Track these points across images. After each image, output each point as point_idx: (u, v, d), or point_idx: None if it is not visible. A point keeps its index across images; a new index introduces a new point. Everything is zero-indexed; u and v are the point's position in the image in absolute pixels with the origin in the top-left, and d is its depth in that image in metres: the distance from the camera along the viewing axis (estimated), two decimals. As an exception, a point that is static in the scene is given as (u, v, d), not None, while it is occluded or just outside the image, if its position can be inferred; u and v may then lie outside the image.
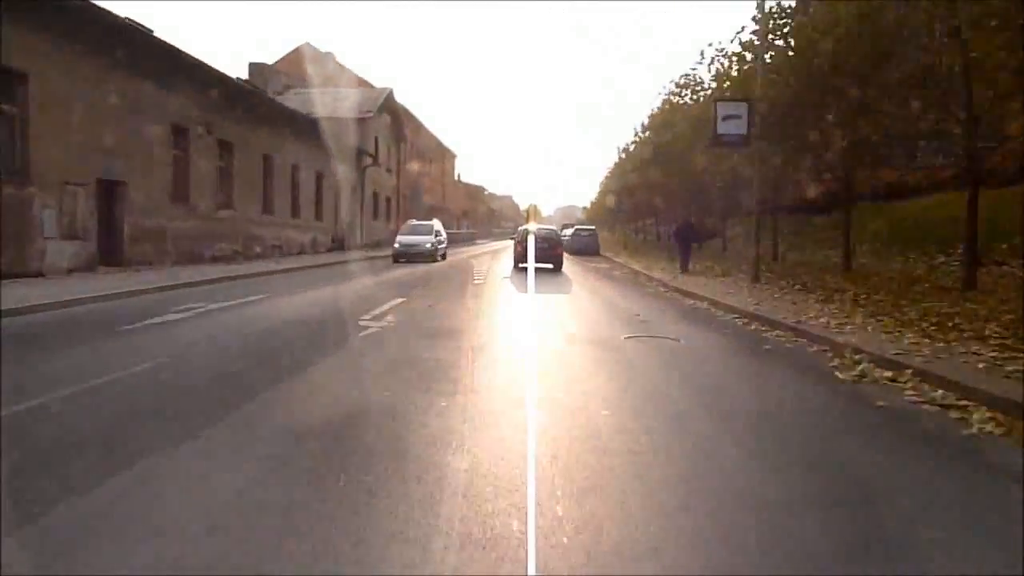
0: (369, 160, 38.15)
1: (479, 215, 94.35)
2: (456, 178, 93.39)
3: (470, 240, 64.90)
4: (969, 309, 10.16)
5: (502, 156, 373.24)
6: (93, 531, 2.98)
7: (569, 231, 53.85)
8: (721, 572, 2.84)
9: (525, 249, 24.26)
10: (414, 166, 51.54)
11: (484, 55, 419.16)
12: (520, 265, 24.03)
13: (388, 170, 44.46)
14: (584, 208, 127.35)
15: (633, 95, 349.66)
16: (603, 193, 79.02)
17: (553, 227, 33.70)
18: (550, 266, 24.55)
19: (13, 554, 2.75)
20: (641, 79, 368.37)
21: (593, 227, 42.94)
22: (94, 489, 3.41)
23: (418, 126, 52.25)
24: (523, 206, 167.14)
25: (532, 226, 31.01)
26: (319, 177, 31.50)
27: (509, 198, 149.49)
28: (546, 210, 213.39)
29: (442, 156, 64.35)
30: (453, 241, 54.28)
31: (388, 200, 44.30)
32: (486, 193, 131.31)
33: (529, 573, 2.71)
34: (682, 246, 21.41)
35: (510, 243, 38.51)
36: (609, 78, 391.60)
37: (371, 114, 38.12)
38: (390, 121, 43.89)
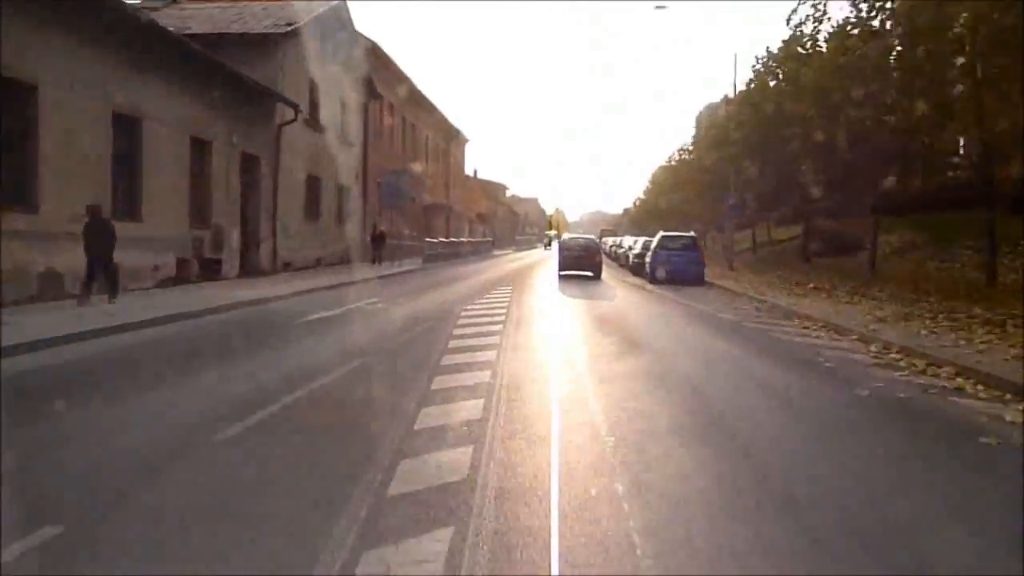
0: (291, 115, 21.08)
1: (499, 219, 77.17)
2: (472, 173, 76.78)
3: (484, 252, 47.50)
4: None
5: (525, 159, 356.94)
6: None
7: (631, 240, 36.26)
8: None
9: (564, 256, 24.85)
10: (396, 141, 34.39)
11: (508, 55, 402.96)
12: (562, 273, 24.13)
13: (346, 142, 27.38)
14: (626, 210, 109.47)
15: (664, 103, 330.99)
16: (663, 180, 61.50)
17: (591, 236, 32.31)
18: (589, 273, 24.02)
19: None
20: (669, 87, 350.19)
21: (692, 234, 25.36)
22: None
23: (406, 85, 35.13)
24: (548, 211, 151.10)
25: (565, 236, 31.02)
26: (132, 127, 14.38)
27: (535, 201, 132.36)
28: (572, 215, 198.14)
29: (447, 138, 47.26)
30: (456, 255, 37.14)
31: (342, 190, 27.19)
32: (509, 195, 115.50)
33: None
34: None
35: (537, 255, 34.95)
36: (636, 83, 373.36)
37: (288, 29, 21.02)
38: (348, 62, 26.80)
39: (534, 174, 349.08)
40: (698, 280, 21.79)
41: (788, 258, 33.76)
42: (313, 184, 24.07)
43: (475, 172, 77.39)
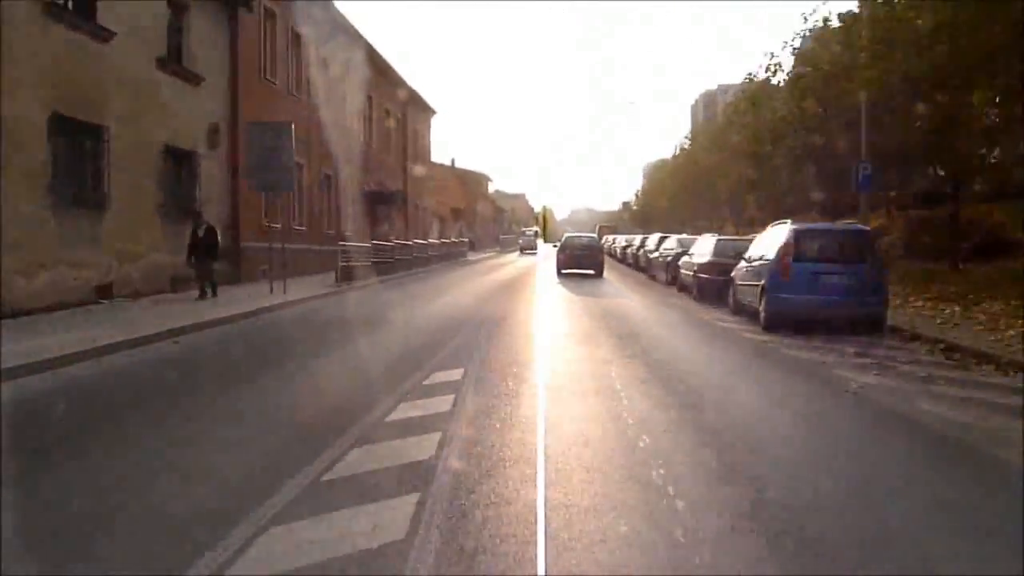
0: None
1: (480, 216, 65.18)
2: (450, 163, 65.53)
3: (454, 258, 35.44)
4: None
5: (512, 156, 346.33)
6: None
7: (666, 240, 24.01)
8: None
9: (567, 255, 24.69)
10: (307, 90, 22.35)
11: (497, 50, 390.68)
12: (563, 271, 23.97)
13: (185, 74, 15.47)
14: (626, 203, 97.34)
15: (655, 100, 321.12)
16: (669, 172, 49.56)
17: (592, 235, 32.06)
18: (592, 272, 23.85)
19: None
20: (658, 84, 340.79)
21: (859, 226, 13.47)
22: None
23: (324, 6, 23.08)
24: (537, 208, 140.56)
25: (566, 234, 30.35)
26: None
27: (523, 197, 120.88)
28: (560, 213, 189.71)
29: (401, 104, 35.24)
30: (410, 264, 25.15)
31: (177, 158, 15.17)
32: (494, 190, 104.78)
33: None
34: None
35: (523, 263, 31.85)
36: (626, 81, 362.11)
37: None
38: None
39: (522, 172, 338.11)
40: (876, 323, 10.06)
41: (904, 262, 22.06)
42: (77, 136, 12.08)
43: (452, 162, 65.76)
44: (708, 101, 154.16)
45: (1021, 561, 3.04)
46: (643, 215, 76.17)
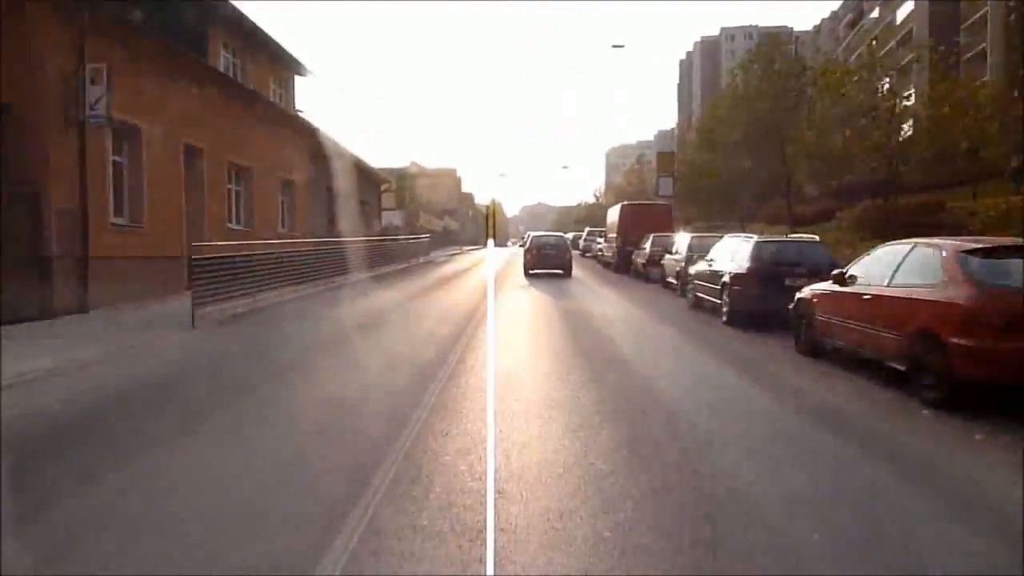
0: None
1: (304, 179, 29.19)
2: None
3: None
4: None
5: (455, 145, 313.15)
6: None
7: None
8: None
9: (533, 255, 24.64)
10: None
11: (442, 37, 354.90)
12: (531, 272, 24.27)
13: None
14: (597, 197, 63.83)
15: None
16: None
17: (560, 233, 32.69)
18: (560, 271, 24.21)
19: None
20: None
21: None
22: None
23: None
24: (478, 197, 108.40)
25: (532, 233, 29.46)
26: None
27: (452, 173, 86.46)
28: (509, 210, 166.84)
29: None
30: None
31: None
32: (409, 161, 73.75)
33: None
34: None
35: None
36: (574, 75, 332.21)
37: None
38: None
39: (467, 169, 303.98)
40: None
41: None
42: None
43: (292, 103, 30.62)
44: (709, 51, 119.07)
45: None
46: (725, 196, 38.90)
